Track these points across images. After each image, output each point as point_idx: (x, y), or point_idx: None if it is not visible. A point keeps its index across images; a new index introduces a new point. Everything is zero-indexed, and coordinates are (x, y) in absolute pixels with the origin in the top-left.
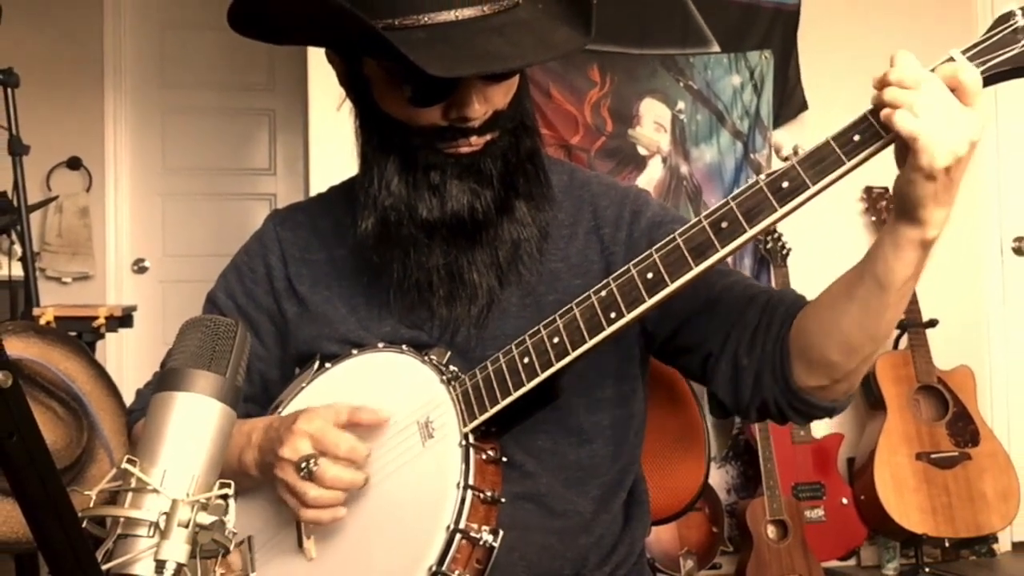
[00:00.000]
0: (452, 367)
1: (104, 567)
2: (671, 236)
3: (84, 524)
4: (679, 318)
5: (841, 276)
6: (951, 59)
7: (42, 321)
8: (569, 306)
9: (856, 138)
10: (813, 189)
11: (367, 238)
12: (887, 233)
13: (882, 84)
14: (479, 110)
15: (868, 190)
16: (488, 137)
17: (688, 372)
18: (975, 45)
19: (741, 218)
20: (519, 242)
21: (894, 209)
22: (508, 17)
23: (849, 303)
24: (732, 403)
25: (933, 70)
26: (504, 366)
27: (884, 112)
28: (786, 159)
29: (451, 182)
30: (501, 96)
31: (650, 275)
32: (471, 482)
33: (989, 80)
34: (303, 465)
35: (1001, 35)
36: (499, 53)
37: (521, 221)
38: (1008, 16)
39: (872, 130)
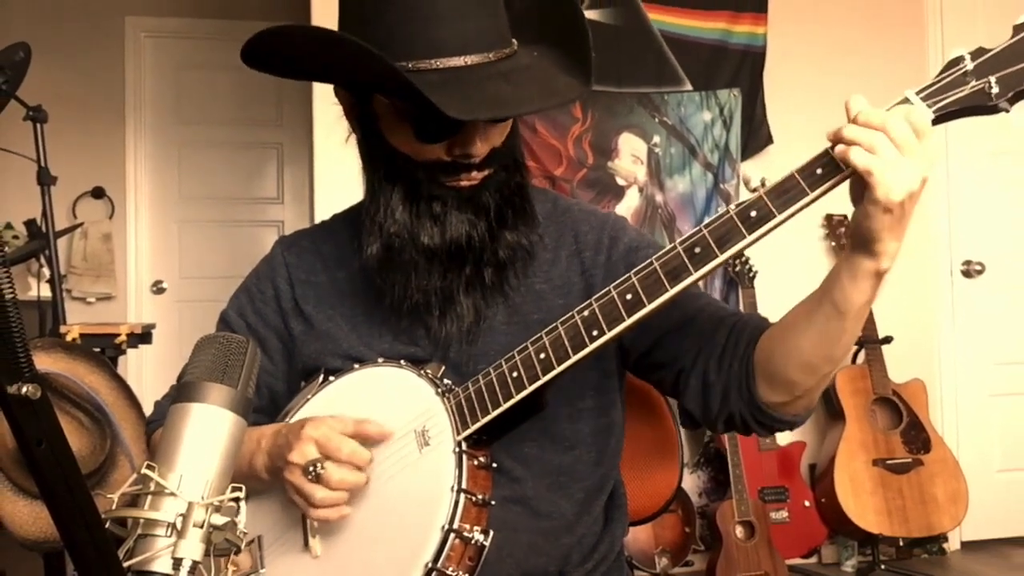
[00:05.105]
0: (446, 380)
1: (125, 564)
2: (649, 261)
3: (107, 525)
4: (654, 337)
5: (801, 302)
6: (906, 99)
7: (68, 338)
8: (554, 324)
9: (819, 171)
10: (779, 218)
11: (371, 261)
12: (844, 264)
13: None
14: (480, 148)
15: (828, 217)
16: (486, 172)
17: (661, 386)
18: (928, 86)
19: (713, 244)
20: (503, 266)
21: (850, 243)
22: (511, 63)
23: (809, 327)
24: (701, 416)
25: (888, 110)
26: (495, 379)
27: (839, 149)
28: (754, 190)
29: (451, 212)
30: (498, 135)
31: (629, 296)
32: (464, 486)
33: (940, 119)
34: (310, 469)
35: (951, 77)
36: (510, 98)
37: (505, 247)
38: (958, 60)
39: (833, 163)
